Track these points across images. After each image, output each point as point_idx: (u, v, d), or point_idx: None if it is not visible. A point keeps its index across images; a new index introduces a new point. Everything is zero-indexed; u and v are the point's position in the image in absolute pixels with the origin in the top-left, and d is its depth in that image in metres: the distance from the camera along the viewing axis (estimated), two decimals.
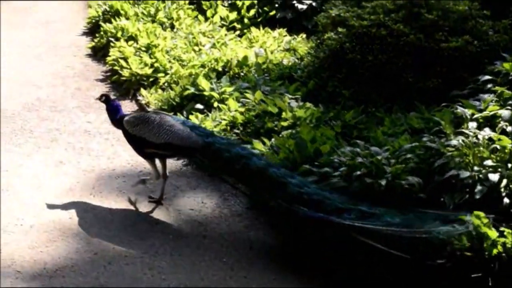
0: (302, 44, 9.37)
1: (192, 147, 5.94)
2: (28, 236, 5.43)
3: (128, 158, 6.82)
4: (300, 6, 10.72)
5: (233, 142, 6.36)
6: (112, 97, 6.67)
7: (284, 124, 6.81)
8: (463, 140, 5.49)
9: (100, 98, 6.46)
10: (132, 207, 5.95)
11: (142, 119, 6.08)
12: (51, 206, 5.89)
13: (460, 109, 6.01)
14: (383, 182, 5.19)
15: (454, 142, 5.51)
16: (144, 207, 6.01)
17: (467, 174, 5.17)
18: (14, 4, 13.71)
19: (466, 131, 5.64)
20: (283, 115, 6.92)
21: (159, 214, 5.94)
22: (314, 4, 10.75)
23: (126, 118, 6.17)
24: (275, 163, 5.98)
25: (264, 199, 5.86)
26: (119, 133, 7.32)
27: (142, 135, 6.04)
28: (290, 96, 7.35)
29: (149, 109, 6.69)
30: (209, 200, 6.09)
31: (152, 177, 6.21)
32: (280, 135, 6.51)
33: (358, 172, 5.33)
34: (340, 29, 7.66)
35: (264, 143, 6.45)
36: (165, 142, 5.96)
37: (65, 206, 5.90)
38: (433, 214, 5.08)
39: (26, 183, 6.31)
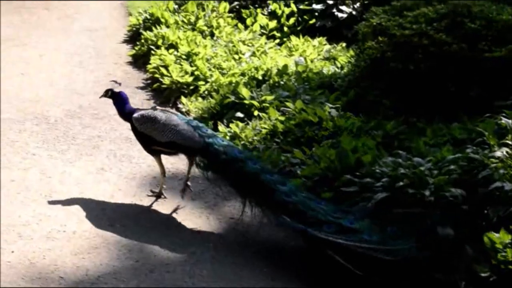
0: (342, 53, 9.34)
1: (194, 147, 6.14)
2: (71, 243, 5.48)
3: (169, 166, 6.84)
4: (340, 14, 10.71)
5: (231, 144, 6.42)
6: (116, 90, 6.60)
7: (325, 133, 6.78)
8: (507, 152, 5.42)
9: (106, 94, 6.64)
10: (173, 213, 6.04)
11: (150, 117, 6.27)
12: (93, 213, 5.94)
13: (504, 120, 5.91)
14: (427, 193, 5.13)
15: (498, 153, 5.44)
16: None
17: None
18: (58, 11, 13.94)
19: (511, 142, 5.56)
20: (324, 124, 6.89)
21: (199, 223, 5.96)
22: (354, 12, 10.74)
23: (135, 115, 6.35)
24: (270, 169, 6.16)
25: (252, 205, 5.89)
26: None
27: (148, 133, 6.26)
28: (331, 105, 7.31)
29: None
30: (249, 209, 6.08)
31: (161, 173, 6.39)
32: (321, 145, 6.47)
33: (401, 183, 5.27)
34: (381, 38, 7.61)
35: (304, 152, 6.43)
36: (169, 141, 6.18)
37: (107, 213, 5.94)
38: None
39: (68, 189, 6.37)
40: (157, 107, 6.81)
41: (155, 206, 6.14)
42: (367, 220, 5.34)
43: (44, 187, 6.40)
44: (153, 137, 6.25)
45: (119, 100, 6.58)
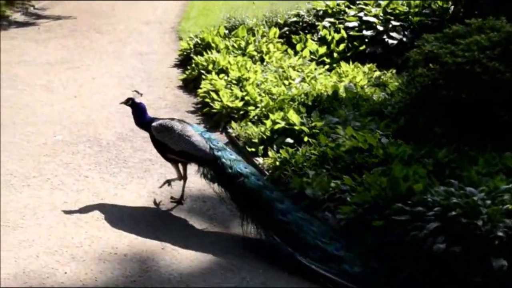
0: (392, 79, 9.33)
1: (204, 157, 6.44)
2: (122, 265, 5.52)
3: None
4: (390, 41, 10.72)
5: (238, 159, 6.56)
6: (138, 101, 6.92)
7: (375, 160, 6.74)
8: None
9: (126, 102, 6.96)
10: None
11: (167, 127, 6.62)
12: (144, 236, 5.99)
13: None
14: (480, 223, 5.06)
15: None
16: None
17: None
18: (111, 35, 14.23)
19: None
20: (374, 151, 6.86)
21: (247, 246, 5.97)
22: (404, 39, 10.73)
23: (153, 124, 6.71)
24: (271, 186, 6.41)
25: (249, 221, 6.09)
26: None
27: (165, 141, 6.62)
28: (381, 132, 7.29)
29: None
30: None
31: (176, 178, 6.76)
32: (371, 172, 6.44)
33: (453, 213, 5.21)
34: (432, 66, 7.57)
35: (354, 179, 6.41)
36: (182, 150, 6.51)
37: (158, 236, 5.99)
38: None
39: (120, 212, 6.45)
40: (175, 117, 7.04)
41: (203, 232, 6.16)
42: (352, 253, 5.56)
43: (96, 209, 6.48)
44: (168, 145, 6.59)
45: (138, 109, 6.92)
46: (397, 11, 11.31)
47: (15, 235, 5.95)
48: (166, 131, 6.62)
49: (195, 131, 6.64)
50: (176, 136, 6.56)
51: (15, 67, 11.55)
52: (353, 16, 11.58)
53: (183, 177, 6.72)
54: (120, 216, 6.36)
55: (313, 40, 11.35)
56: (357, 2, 12.21)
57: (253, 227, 6.06)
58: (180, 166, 6.73)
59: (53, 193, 6.81)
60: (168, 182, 6.84)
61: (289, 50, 10.99)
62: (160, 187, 6.88)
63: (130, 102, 6.96)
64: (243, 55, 10.83)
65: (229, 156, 6.45)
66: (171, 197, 6.82)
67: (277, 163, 7.15)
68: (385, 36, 10.86)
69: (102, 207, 6.51)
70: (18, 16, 16.48)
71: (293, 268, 5.61)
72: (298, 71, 9.91)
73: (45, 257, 5.60)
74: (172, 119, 6.88)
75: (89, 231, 6.06)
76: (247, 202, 6.16)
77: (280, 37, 11.78)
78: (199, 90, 9.68)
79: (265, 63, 10.52)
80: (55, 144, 8.09)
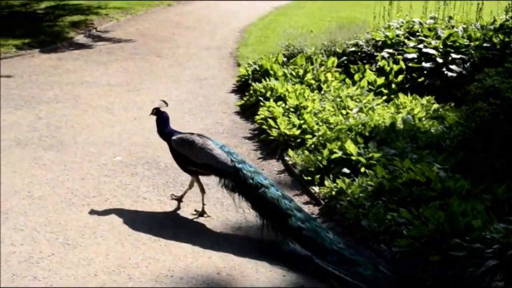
0: (450, 112, 9.25)
1: (225, 170, 6.83)
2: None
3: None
4: (449, 74, 10.66)
5: (258, 171, 6.96)
6: (162, 110, 7.35)
7: (433, 194, 6.69)
8: None
9: (152, 112, 7.39)
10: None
11: (188, 141, 7.03)
12: (200, 260, 6.05)
13: None
14: None
15: None
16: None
17: None
18: (170, 59, 14.46)
19: None
20: (432, 185, 6.82)
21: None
22: (464, 72, 10.65)
23: (174, 137, 7.12)
24: (289, 196, 6.79)
25: (269, 228, 6.47)
26: None
27: (186, 154, 7.01)
28: (439, 166, 7.24)
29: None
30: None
31: (190, 186, 7.25)
32: (429, 206, 6.40)
33: None
34: (493, 100, 7.53)
35: (411, 212, 6.38)
36: (205, 163, 6.91)
37: (214, 261, 6.04)
38: None
39: (177, 234, 6.52)
40: (194, 132, 7.36)
41: (258, 258, 6.18)
42: (361, 257, 5.95)
43: (154, 231, 6.57)
44: (190, 158, 6.99)
45: (162, 119, 7.32)
46: (457, 44, 11.25)
47: (75, 253, 6.09)
48: (187, 145, 7.02)
49: (215, 145, 7.02)
50: (198, 150, 6.95)
51: (77, 88, 11.84)
52: (413, 47, 11.56)
53: (201, 189, 7.10)
54: (177, 239, 6.42)
55: (371, 70, 11.35)
56: (417, 33, 12.19)
57: (273, 233, 6.44)
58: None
59: (112, 213, 6.94)
60: (179, 199, 7.31)
61: (347, 80, 11.01)
62: (175, 199, 7.31)
63: (154, 111, 7.37)
64: (301, 83, 10.89)
65: (249, 169, 6.85)
66: (195, 210, 7.14)
67: (333, 192, 7.16)
68: (444, 69, 10.80)
69: (159, 229, 6.61)
70: (81, 38, 16.90)
71: (311, 271, 5.93)
72: (355, 101, 9.91)
73: (103, 276, 5.71)
74: (192, 133, 7.23)
75: (146, 252, 6.15)
76: (268, 210, 6.53)
77: (338, 66, 11.81)
78: (257, 117, 9.76)
79: (322, 92, 10.56)
80: (114, 165, 8.25)
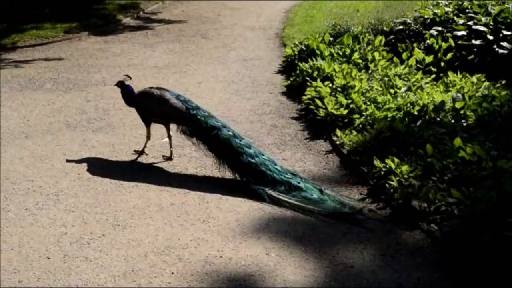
0: (501, 90, 9.04)
1: (181, 116, 7.65)
2: (227, 269, 5.58)
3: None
4: (500, 51, 10.42)
5: (211, 115, 7.71)
6: (126, 83, 8.07)
7: (484, 173, 6.56)
8: None
9: (117, 85, 8.12)
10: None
11: (148, 93, 7.86)
12: (249, 241, 6.04)
13: None
14: None
15: None
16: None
17: None
18: (216, 41, 14.47)
19: None
20: (483, 164, 6.68)
21: (353, 257, 5.93)
22: None
23: (136, 92, 7.97)
24: (240, 135, 7.63)
25: (225, 167, 7.34)
26: (315, 171, 7.49)
27: (146, 105, 7.86)
28: (490, 145, 7.10)
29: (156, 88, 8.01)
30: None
31: (148, 138, 8.02)
32: (480, 185, 6.28)
33: None
34: None
35: (462, 192, 6.27)
36: (163, 111, 7.74)
37: (262, 241, 6.03)
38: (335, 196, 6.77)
39: (225, 216, 6.53)
40: (153, 86, 8.24)
41: (316, 244, 6.15)
42: (309, 184, 6.92)
43: (202, 212, 6.60)
44: (150, 109, 7.83)
45: (126, 91, 8.05)
46: (509, 20, 10.98)
47: (125, 234, 6.14)
48: (146, 97, 7.85)
49: (172, 95, 7.81)
50: (156, 100, 7.75)
51: (125, 70, 11.91)
52: (462, 25, 11.34)
53: (168, 136, 7.97)
54: (226, 220, 6.44)
55: (420, 48, 11.17)
56: (466, 10, 11.96)
57: (230, 171, 7.29)
58: (164, 128, 8.05)
59: (160, 195, 6.98)
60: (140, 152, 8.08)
61: (395, 59, 10.85)
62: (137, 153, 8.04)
63: (119, 84, 8.10)
64: (348, 62, 10.78)
65: (203, 113, 7.65)
66: (163, 156, 8.02)
67: (382, 172, 7.07)
68: (495, 46, 10.56)
69: (208, 210, 6.63)
70: (128, 20, 17.01)
71: (265, 200, 6.80)
72: (404, 80, 9.77)
73: (153, 257, 5.75)
74: (151, 87, 8.05)
75: (195, 233, 6.17)
76: (221, 150, 7.37)
77: (385, 45, 11.67)
78: (304, 97, 9.70)
79: (370, 71, 10.44)
80: (162, 146, 8.29)
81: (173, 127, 7.98)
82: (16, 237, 6.08)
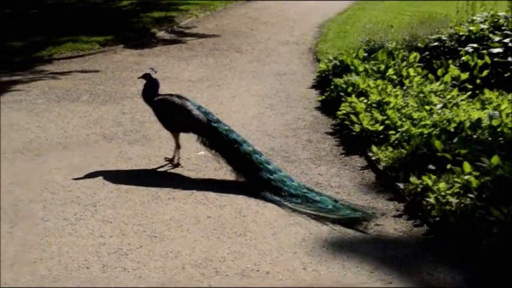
0: None
1: (203, 128, 7.81)
2: (264, 282, 5.60)
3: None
4: None
5: (231, 129, 7.88)
6: (154, 77, 8.24)
7: None
8: None
9: (143, 77, 8.26)
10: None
11: (169, 102, 7.98)
12: (285, 255, 6.06)
13: None
14: None
15: None
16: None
17: None
18: (250, 55, 14.54)
19: None
20: None
21: None
22: None
23: (155, 99, 8.06)
24: (260, 151, 7.81)
25: (243, 179, 7.55)
26: (350, 187, 7.49)
27: (167, 113, 7.99)
28: None
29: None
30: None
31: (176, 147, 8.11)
32: None
33: None
34: None
35: (500, 210, 6.22)
36: (184, 122, 7.88)
37: (299, 256, 6.03)
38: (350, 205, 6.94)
39: (261, 230, 6.55)
40: (173, 93, 8.34)
41: (344, 256, 6.14)
42: (325, 196, 7.09)
43: (239, 225, 6.63)
44: (171, 117, 7.97)
45: (152, 84, 8.20)
46: None
47: (162, 245, 6.19)
48: (168, 105, 7.95)
49: (193, 106, 7.93)
50: (178, 110, 7.88)
51: (159, 83, 11.98)
52: (498, 42, 11.29)
53: (177, 145, 8.08)
54: (262, 234, 6.46)
55: (455, 65, 11.13)
56: (502, 28, 11.90)
57: (247, 184, 7.44)
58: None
59: (197, 207, 7.03)
60: (170, 160, 8.15)
61: (430, 75, 10.82)
62: (167, 160, 8.17)
63: (147, 76, 8.20)
64: (383, 78, 10.77)
65: (224, 127, 7.82)
66: (165, 158, 8.23)
67: (419, 189, 7.04)
68: None
69: (244, 224, 6.66)
70: (163, 34, 17.17)
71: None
72: (439, 96, 9.73)
73: (190, 269, 5.79)
74: (172, 94, 8.16)
75: (232, 246, 6.20)
76: (241, 164, 7.54)
77: (420, 61, 11.64)
78: (338, 112, 9.70)
79: (405, 88, 10.42)
80: (198, 160, 8.35)
81: (186, 136, 8.27)
82: (55, 246, 6.16)
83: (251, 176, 7.45)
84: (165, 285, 5.53)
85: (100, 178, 7.75)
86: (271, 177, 7.33)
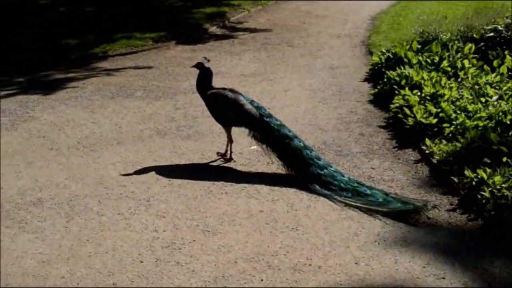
0: None
1: (255, 123, 7.82)
2: (316, 277, 5.58)
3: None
4: None
5: (283, 124, 7.88)
6: (206, 65, 8.19)
7: None
8: None
9: (196, 66, 8.24)
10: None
11: (222, 96, 7.99)
12: (338, 249, 6.04)
13: None
14: None
15: None
16: None
17: None
18: (302, 48, 14.51)
19: None
20: None
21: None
22: None
23: (209, 92, 8.08)
24: (310, 147, 7.82)
25: (293, 174, 7.55)
26: (403, 181, 7.41)
27: (220, 107, 8.02)
28: None
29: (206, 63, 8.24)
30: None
31: (228, 140, 8.14)
32: None
33: None
34: None
35: None
36: (237, 116, 7.90)
37: (351, 250, 6.01)
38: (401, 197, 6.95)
39: (313, 224, 6.54)
40: (226, 87, 8.34)
41: (396, 250, 6.09)
42: (376, 190, 7.06)
43: (291, 219, 6.63)
44: (224, 111, 7.98)
45: (206, 74, 8.21)
46: None
47: (215, 240, 6.24)
48: (221, 99, 7.97)
49: (246, 100, 7.94)
50: (231, 104, 7.90)
51: (213, 79, 12.06)
52: None
53: (229, 139, 8.09)
54: (314, 228, 6.45)
55: (511, 56, 10.90)
56: None
57: (297, 179, 7.41)
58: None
59: (249, 202, 7.05)
60: (223, 154, 8.21)
61: (485, 67, 10.62)
62: (220, 155, 8.24)
63: (200, 66, 8.18)
64: (437, 70, 10.61)
65: (276, 122, 7.83)
66: (217, 153, 8.30)
67: (474, 183, 6.92)
68: None
69: (296, 218, 6.66)
70: (214, 29, 17.25)
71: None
72: (495, 88, 9.55)
73: (242, 263, 5.81)
74: (225, 88, 8.19)
75: (284, 240, 6.21)
76: (292, 159, 7.55)
77: (475, 52, 11.44)
78: (391, 105, 9.60)
79: (459, 79, 10.26)
80: (250, 154, 8.38)
81: (238, 130, 8.31)
82: (110, 240, 6.25)
83: (301, 171, 7.45)
84: (217, 279, 5.57)
85: (154, 173, 7.83)
86: (321, 172, 7.33)
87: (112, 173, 7.86)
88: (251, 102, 8.03)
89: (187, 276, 5.62)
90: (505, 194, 6.54)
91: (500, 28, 11.93)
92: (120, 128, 9.50)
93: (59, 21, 17.47)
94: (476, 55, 11.35)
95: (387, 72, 10.91)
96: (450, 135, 8.24)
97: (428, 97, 9.27)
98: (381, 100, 10.44)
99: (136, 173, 7.86)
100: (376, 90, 10.86)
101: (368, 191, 7.00)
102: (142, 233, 6.39)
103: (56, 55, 14.38)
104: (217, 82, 10.52)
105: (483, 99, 9.07)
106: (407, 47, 11.90)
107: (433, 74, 10.19)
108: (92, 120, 9.91)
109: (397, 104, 9.42)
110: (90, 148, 8.71)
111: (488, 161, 7.27)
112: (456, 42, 11.86)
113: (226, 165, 8.10)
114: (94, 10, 18.82)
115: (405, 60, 11.24)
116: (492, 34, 11.90)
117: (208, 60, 8.32)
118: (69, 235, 6.37)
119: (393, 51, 11.85)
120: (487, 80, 9.86)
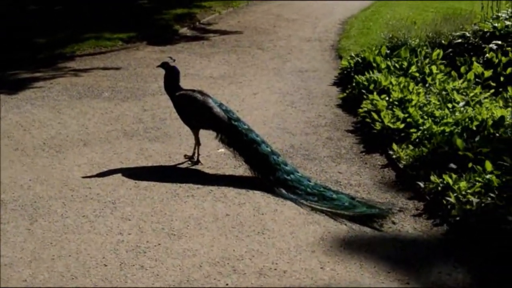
0: None
1: (223, 126, 7.81)
2: (282, 282, 5.57)
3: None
4: None
5: (251, 128, 7.89)
6: (172, 64, 8.12)
7: None
8: None
9: (161, 66, 8.17)
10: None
11: (190, 98, 7.96)
12: (304, 254, 6.02)
13: None
14: None
15: None
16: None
17: None
18: (271, 52, 14.51)
19: None
20: None
21: None
22: None
23: (177, 93, 8.03)
24: (278, 152, 7.85)
25: (259, 178, 7.56)
26: (370, 185, 7.43)
27: (188, 110, 7.99)
28: None
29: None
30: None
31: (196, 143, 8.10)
32: None
33: None
34: None
35: None
36: (205, 119, 7.89)
37: (317, 255, 6.00)
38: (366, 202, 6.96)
39: (280, 228, 6.52)
40: (196, 89, 8.31)
41: (362, 257, 6.09)
42: (342, 194, 7.12)
43: (257, 223, 6.60)
44: (191, 114, 7.99)
45: (172, 73, 8.13)
46: None
47: (180, 243, 6.19)
48: (189, 101, 7.95)
49: (214, 103, 7.92)
50: (199, 106, 7.87)
51: (181, 80, 11.98)
52: None
53: (197, 142, 8.07)
54: (280, 232, 6.43)
55: (479, 62, 11.00)
56: None
57: (263, 183, 7.42)
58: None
59: (216, 205, 7.01)
60: (190, 157, 8.17)
61: (453, 73, 10.70)
62: (187, 157, 8.20)
63: (165, 66, 8.12)
64: (405, 76, 10.68)
65: (244, 126, 7.84)
66: (185, 155, 8.25)
67: (439, 188, 6.97)
68: None
69: (263, 222, 6.63)
70: (185, 31, 17.19)
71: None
72: (462, 94, 9.63)
73: (207, 267, 5.77)
74: (194, 90, 8.14)
75: (250, 244, 6.18)
76: (259, 163, 7.57)
77: (443, 58, 11.53)
78: (360, 110, 9.63)
79: (427, 85, 10.33)
80: (218, 157, 8.34)
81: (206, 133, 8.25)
82: (74, 243, 6.17)
83: (268, 176, 7.46)
84: (182, 283, 5.52)
85: (120, 175, 7.76)
86: (288, 177, 7.36)
87: (77, 175, 7.77)
88: (220, 105, 8.01)
89: (152, 280, 5.57)
90: (470, 199, 6.59)
91: (468, 35, 12.03)
92: (87, 129, 9.41)
93: (28, 19, 17.27)
94: (444, 61, 11.44)
95: (356, 76, 10.95)
96: (417, 140, 8.28)
97: (396, 102, 9.31)
98: (349, 104, 10.47)
99: (102, 175, 7.78)
100: (345, 94, 10.90)
101: (334, 195, 7.04)
102: (106, 236, 6.32)
103: (23, 54, 14.20)
104: (186, 83, 10.46)
105: (450, 105, 9.14)
106: (376, 52, 11.97)
107: (401, 79, 10.25)
108: (59, 120, 9.80)
109: (365, 109, 9.45)
110: (55, 149, 8.61)
111: (454, 166, 7.32)
112: (425, 47, 11.95)
113: (193, 167, 8.06)
114: (63, 9, 18.65)
115: (374, 64, 11.29)
116: (460, 40, 12.00)
117: (174, 60, 8.27)
118: (32, 238, 6.27)
119: (362, 55, 11.91)
120: (454, 86, 9.93)
